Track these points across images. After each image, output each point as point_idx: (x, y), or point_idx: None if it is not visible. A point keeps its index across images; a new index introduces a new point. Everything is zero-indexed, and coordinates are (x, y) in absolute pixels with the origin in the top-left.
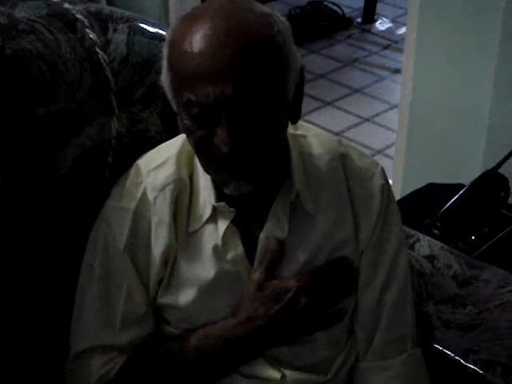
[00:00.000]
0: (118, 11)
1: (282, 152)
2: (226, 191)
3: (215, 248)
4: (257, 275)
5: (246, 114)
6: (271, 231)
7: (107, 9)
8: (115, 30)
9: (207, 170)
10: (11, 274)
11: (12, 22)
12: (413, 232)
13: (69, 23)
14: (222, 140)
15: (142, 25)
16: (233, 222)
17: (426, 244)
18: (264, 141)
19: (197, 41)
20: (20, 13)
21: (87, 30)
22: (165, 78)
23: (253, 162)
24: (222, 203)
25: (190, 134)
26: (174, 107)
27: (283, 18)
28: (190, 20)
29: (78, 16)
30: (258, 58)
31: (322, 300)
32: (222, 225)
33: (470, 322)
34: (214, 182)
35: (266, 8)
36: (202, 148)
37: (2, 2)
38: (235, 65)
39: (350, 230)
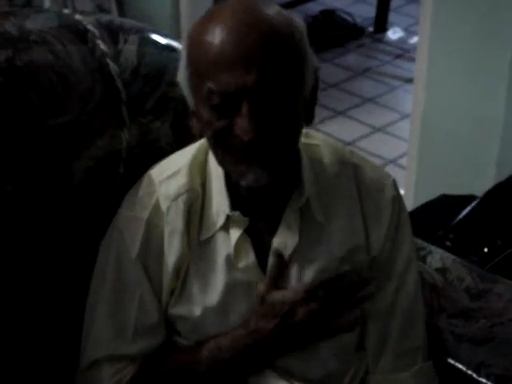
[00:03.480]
0: (128, 22)
1: (294, 158)
2: (243, 183)
3: (227, 257)
4: (260, 288)
5: (266, 102)
6: (283, 238)
7: (118, 20)
8: (126, 41)
9: (223, 164)
10: (20, 284)
11: (23, 33)
12: (425, 244)
13: (80, 34)
14: (243, 129)
15: (153, 36)
16: (244, 230)
17: (438, 256)
18: (283, 132)
19: (218, 32)
20: (31, 24)
21: (98, 41)
22: (183, 77)
23: (272, 152)
24: (237, 212)
25: (209, 127)
26: (192, 104)
27: (299, 19)
28: (209, 17)
29: (89, 27)
30: (279, 48)
31: (323, 311)
32: (235, 233)
33: (483, 336)
34: (228, 190)
35: (282, 8)
36: (221, 140)
37: (14, 13)
38: (257, 54)
39: (361, 240)
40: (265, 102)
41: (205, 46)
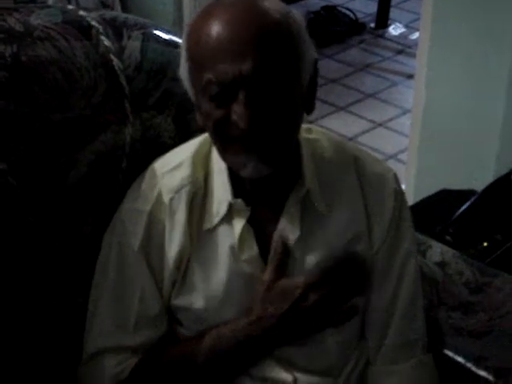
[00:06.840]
0: (132, 18)
1: (295, 151)
2: (244, 174)
3: (231, 248)
4: (266, 275)
5: (262, 91)
6: (285, 230)
7: (122, 16)
8: (129, 37)
9: (224, 156)
10: (24, 277)
11: (28, 29)
12: (425, 239)
13: (84, 30)
14: (239, 115)
15: (156, 31)
16: (247, 221)
17: (437, 251)
18: (280, 120)
19: (216, 25)
20: (36, 20)
21: (102, 37)
22: (183, 70)
23: (270, 142)
24: (239, 200)
25: (208, 118)
26: (193, 98)
27: (298, 13)
28: (208, 11)
29: (93, 23)
30: (274, 37)
31: (331, 297)
32: (238, 224)
33: (482, 329)
34: (230, 180)
35: (282, 3)
36: (220, 131)
37: (18, 9)
38: (253, 43)
39: (363, 229)
40: (261, 90)
41: (203, 38)
